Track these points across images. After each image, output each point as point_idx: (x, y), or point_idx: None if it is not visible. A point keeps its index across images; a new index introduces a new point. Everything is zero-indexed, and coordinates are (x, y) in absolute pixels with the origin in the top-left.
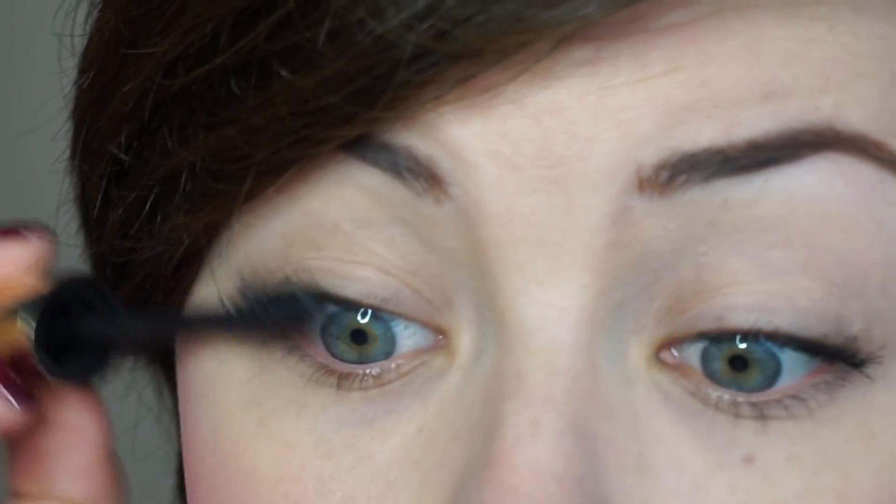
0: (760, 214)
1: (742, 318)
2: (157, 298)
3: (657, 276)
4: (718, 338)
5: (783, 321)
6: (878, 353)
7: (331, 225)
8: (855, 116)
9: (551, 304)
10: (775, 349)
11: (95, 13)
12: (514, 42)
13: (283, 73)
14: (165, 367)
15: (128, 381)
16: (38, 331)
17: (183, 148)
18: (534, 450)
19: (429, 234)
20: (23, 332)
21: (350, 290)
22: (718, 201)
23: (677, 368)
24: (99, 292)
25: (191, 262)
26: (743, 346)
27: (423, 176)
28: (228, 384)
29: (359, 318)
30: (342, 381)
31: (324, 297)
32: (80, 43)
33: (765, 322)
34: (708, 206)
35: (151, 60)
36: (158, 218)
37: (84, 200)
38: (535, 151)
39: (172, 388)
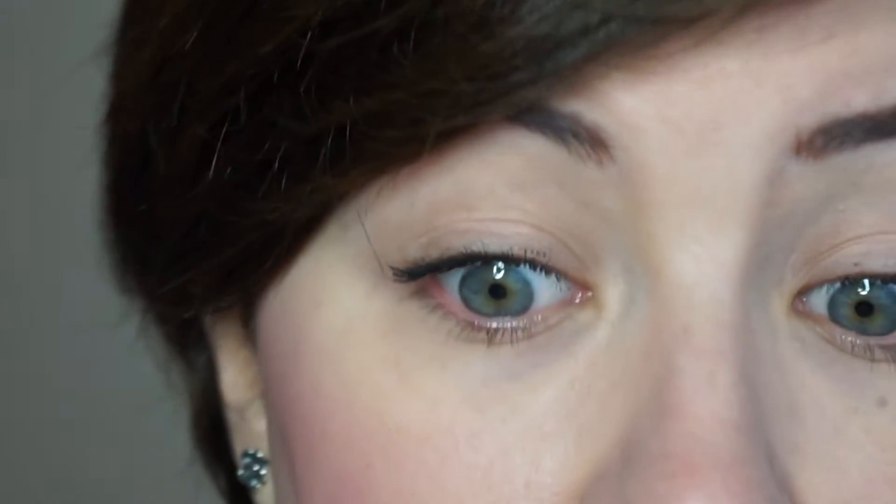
0: None
1: (880, 263)
2: (266, 261)
3: (799, 232)
4: (846, 285)
5: None
6: None
7: (485, 190)
8: None
9: (711, 259)
10: None
11: None
12: (699, 10)
13: (455, 36)
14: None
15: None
16: None
17: (325, 111)
18: (713, 400)
19: (586, 195)
20: None
21: (506, 245)
22: (863, 164)
23: (809, 316)
24: None
25: (313, 226)
26: (866, 291)
27: (588, 141)
28: (361, 341)
29: (495, 273)
30: (492, 336)
31: (476, 257)
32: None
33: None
34: (854, 168)
35: (293, 23)
36: (284, 178)
37: (157, 165)
38: (701, 116)
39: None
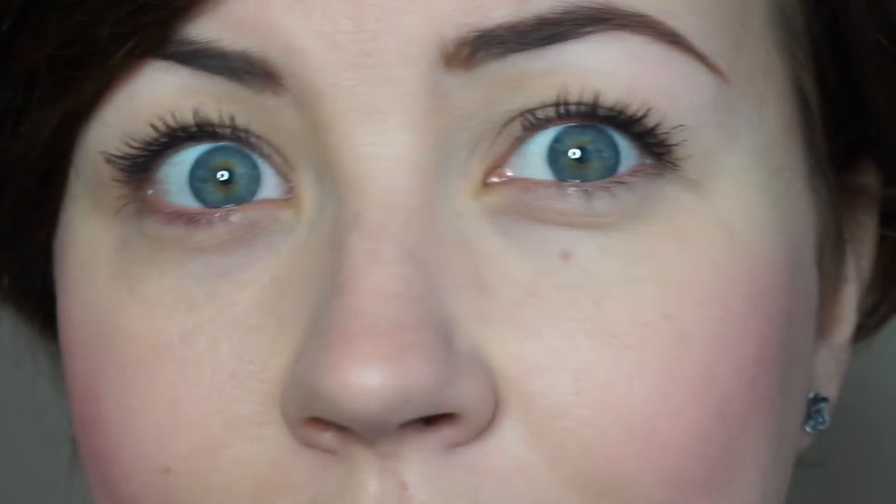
0: (561, 81)
1: (551, 111)
2: (29, 207)
3: (474, 134)
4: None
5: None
6: (684, 159)
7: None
8: None
9: (382, 158)
10: (615, 136)
11: None
12: None
13: None
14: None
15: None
16: None
17: (36, 46)
18: (374, 275)
19: (273, 121)
20: None
21: (213, 112)
22: (516, 73)
23: (502, 185)
24: None
25: (58, 165)
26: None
27: (260, 76)
28: (99, 265)
29: (225, 156)
30: (190, 224)
31: (176, 129)
32: None
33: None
34: (508, 77)
35: None
36: (10, 121)
37: None
38: (351, 26)
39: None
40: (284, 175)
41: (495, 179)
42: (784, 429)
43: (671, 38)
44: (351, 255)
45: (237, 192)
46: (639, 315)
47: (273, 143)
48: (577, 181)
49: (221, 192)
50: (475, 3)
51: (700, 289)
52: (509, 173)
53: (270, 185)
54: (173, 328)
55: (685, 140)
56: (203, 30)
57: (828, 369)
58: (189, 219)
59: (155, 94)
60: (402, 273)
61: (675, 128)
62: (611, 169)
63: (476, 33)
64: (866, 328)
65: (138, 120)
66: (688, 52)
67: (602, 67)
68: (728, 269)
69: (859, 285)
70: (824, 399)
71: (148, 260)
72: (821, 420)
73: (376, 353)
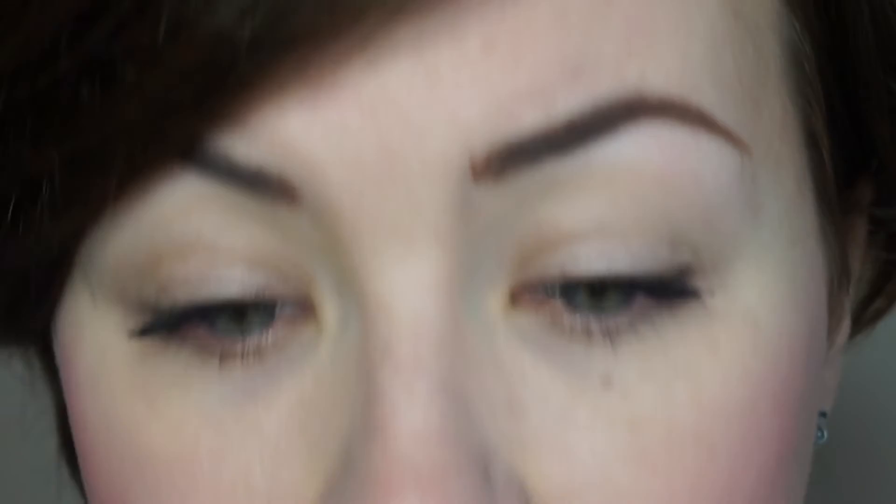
0: (587, 183)
1: (583, 268)
2: (27, 303)
3: (502, 241)
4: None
5: (622, 266)
6: (710, 277)
7: (193, 235)
8: (659, 81)
9: (408, 278)
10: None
11: None
12: (343, 19)
13: (130, 72)
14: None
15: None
16: None
17: (38, 157)
18: (411, 415)
19: (286, 231)
20: None
21: (224, 293)
22: (548, 180)
23: (533, 304)
24: None
25: (60, 269)
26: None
27: (274, 189)
28: (114, 371)
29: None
30: (224, 358)
31: (204, 309)
32: None
33: (604, 269)
34: (539, 182)
35: None
36: (21, 225)
37: None
38: (373, 144)
39: (44, 356)
40: (302, 290)
41: (522, 296)
42: (798, 497)
43: (698, 118)
44: (383, 392)
45: (251, 324)
46: (673, 438)
47: (289, 259)
48: (592, 316)
49: (236, 323)
50: (504, 110)
51: (731, 403)
52: (536, 293)
53: (284, 313)
54: (203, 451)
55: (713, 235)
56: (218, 142)
57: (825, 384)
58: (208, 340)
59: (166, 205)
60: (439, 409)
61: (713, 272)
62: (628, 289)
63: (506, 144)
64: (855, 327)
65: (148, 236)
66: (714, 130)
67: (630, 162)
68: (756, 374)
69: (853, 295)
70: (822, 414)
71: (170, 377)
72: (819, 435)
73: (419, 502)
